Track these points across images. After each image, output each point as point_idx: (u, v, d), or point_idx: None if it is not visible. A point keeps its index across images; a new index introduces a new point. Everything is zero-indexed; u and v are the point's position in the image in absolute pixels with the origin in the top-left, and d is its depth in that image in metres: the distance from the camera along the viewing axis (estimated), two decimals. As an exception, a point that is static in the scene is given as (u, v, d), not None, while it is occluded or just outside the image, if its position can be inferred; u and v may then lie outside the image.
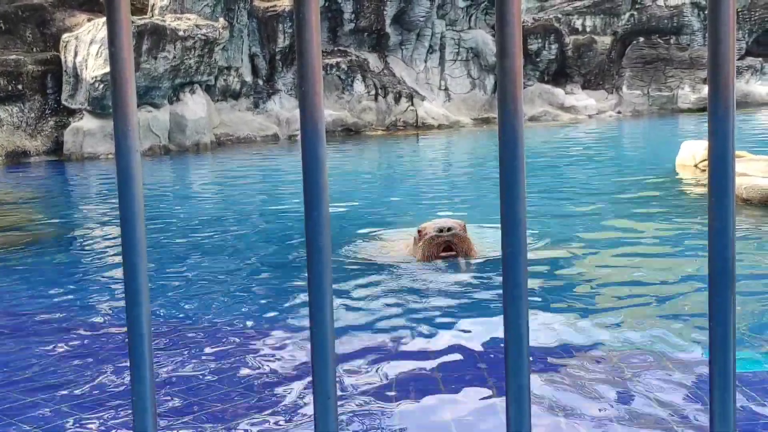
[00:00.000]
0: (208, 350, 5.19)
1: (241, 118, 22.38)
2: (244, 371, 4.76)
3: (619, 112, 25.72)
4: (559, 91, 25.66)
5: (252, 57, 23.01)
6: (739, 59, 25.67)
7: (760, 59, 26.67)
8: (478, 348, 5.00)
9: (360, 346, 5.07)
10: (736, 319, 1.04)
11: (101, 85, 18.77)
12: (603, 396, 4.17)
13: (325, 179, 1.08)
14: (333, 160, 17.18)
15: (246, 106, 22.76)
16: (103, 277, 7.42)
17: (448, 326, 5.47)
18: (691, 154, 12.31)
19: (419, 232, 7.31)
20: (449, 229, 7.11)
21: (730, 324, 1.04)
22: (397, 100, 24.29)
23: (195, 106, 20.70)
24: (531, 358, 1.09)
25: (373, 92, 24.19)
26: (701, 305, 5.51)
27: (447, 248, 7.08)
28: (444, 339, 5.21)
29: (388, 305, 5.97)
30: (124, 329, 5.21)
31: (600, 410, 3.99)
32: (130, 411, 2.98)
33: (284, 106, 23.10)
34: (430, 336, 5.27)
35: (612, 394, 4.18)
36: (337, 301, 5.95)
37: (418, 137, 22.38)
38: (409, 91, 24.48)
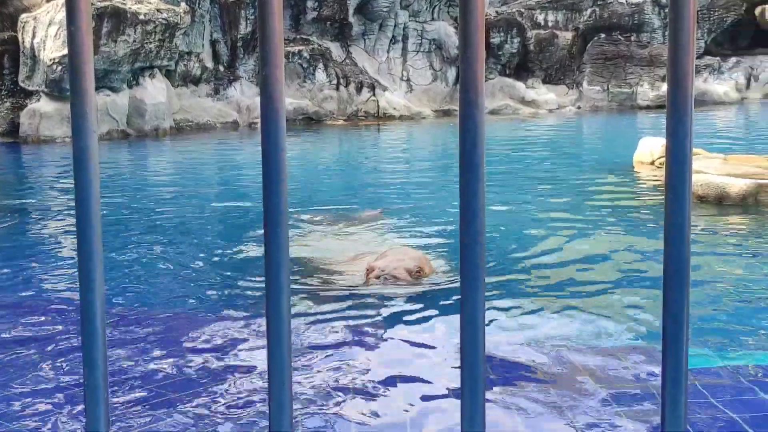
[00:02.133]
0: (162, 336, 5.15)
1: (201, 104, 22.19)
2: (199, 359, 4.73)
3: (579, 108, 25.91)
4: (520, 85, 25.77)
5: (213, 43, 22.82)
6: (697, 58, 25.97)
7: (718, 58, 27.00)
8: (436, 345, 5.02)
9: (315, 344, 5.07)
10: (689, 315, 1.05)
11: (59, 68, 18.49)
12: (557, 392, 4.20)
13: (284, 167, 1.07)
14: (293, 147, 17.11)
15: (206, 92, 22.57)
16: (58, 260, 7.33)
17: (404, 328, 5.48)
18: (649, 151, 12.44)
19: (368, 271, 6.27)
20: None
21: (684, 320, 1.05)
22: (358, 89, 24.25)
23: (154, 90, 20.48)
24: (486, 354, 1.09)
25: (334, 81, 24.12)
26: (653, 302, 5.58)
27: None
28: (400, 338, 5.23)
29: (342, 311, 5.96)
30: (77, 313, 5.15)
31: (552, 405, 4.03)
32: (82, 397, 2.95)
33: (245, 93, 22.94)
34: (384, 337, 5.29)
35: (565, 391, 4.22)
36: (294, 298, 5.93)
37: (379, 127, 22.36)
38: (371, 81, 24.45)
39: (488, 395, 3.77)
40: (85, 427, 1.13)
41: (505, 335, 5.09)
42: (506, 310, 5.59)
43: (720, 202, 9.21)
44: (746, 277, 6.33)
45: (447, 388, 4.23)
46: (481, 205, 1.07)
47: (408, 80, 25.41)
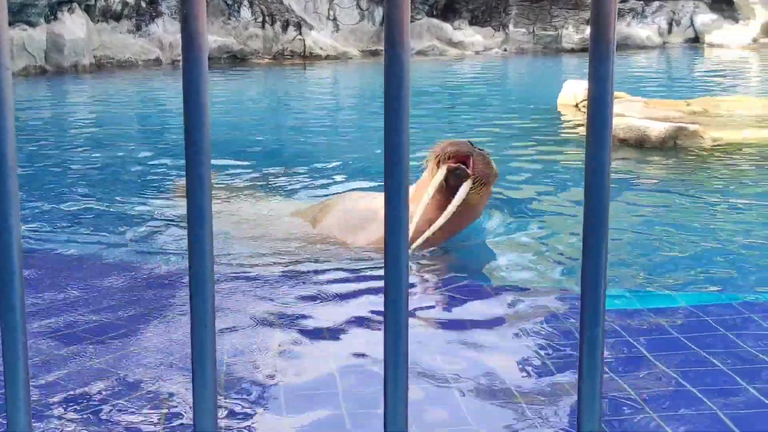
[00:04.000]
0: (79, 285, 5.07)
1: (122, 41, 21.64)
2: (111, 301, 4.68)
3: (505, 50, 25.99)
4: (447, 26, 25.71)
5: (134, -23, 22.22)
6: (621, 2, 26.22)
7: (642, 2, 27.28)
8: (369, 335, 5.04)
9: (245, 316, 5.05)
10: (608, 256, 1.07)
11: (-28, 0, 17.80)
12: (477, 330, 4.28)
13: (206, 106, 1.05)
14: (217, 87, 16.85)
15: (127, 28, 22.00)
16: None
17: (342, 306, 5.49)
18: (573, 94, 12.57)
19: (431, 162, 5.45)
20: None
21: (603, 261, 1.07)
22: (284, 28, 23.90)
23: (73, 26, 19.89)
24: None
25: (260, 19, 23.73)
26: (574, 245, 5.70)
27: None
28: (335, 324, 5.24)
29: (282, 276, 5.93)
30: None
31: (474, 343, 4.10)
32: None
33: (168, 30, 22.43)
34: (319, 323, 5.29)
35: (483, 329, 4.30)
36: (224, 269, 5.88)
37: (306, 67, 22.13)
38: (297, 19, 24.11)
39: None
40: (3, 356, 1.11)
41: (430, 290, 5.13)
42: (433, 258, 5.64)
43: (641, 145, 9.38)
44: (665, 219, 6.49)
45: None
46: (406, 149, 1.06)
47: (334, 19, 25.14)
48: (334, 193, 7.32)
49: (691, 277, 5.16)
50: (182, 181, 7.46)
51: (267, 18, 23.81)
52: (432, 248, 5.48)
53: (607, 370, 3.67)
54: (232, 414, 3.40)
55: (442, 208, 5.31)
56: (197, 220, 1.06)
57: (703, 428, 3.27)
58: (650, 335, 4.17)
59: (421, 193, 5.37)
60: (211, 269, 1.08)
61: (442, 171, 5.24)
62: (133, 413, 3.38)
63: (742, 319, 4.42)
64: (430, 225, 5.31)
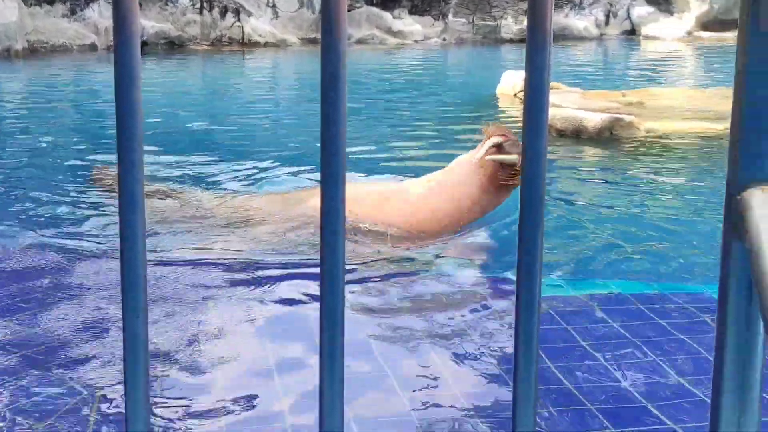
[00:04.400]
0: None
1: (56, 25, 21.20)
2: (38, 291, 4.60)
3: (444, 40, 26.07)
4: (387, 15, 25.68)
5: (69, -40, 21.77)
6: (559, -7, 26.46)
7: (579, -5, 27.57)
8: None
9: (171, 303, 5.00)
10: (544, 245, 1.08)
11: None
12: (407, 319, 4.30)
13: (138, 92, 1.03)
14: (152, 73, 16.62)
15: (62, 12, 21.56)
16: None
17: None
18: (512, 84, 12.67)
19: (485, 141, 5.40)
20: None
21: (539, 249, 1.07)
22: (222, 14, 23.65)
23: (5, 9, 19.42)
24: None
25: (198, 5, 23.43)
26: (508, 237, 5.75)
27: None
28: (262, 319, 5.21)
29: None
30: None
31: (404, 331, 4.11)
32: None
33: (103, 15, 22.03)
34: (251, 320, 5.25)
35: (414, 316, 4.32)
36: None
37: (244, 54, 21.93)
38: (236, 6, 23.87)
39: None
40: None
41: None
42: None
43: (578, 135, 9.50)
44: (601, 208, 6.58)
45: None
46: (343, 137, 1.06)
47: (274, 6, 24.93)
48: (268, 181, 7.28)
49: (624, 265, 5.25)
50: (107, 169, 7.36)
51: (205, 4, 23.53)
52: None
53: (541, 354, 3.71)
54: (166, 403, 3.37)
55: (484, 187, 5.37)
56: (129, 206, 1.04)
57: (631, 416, 3.33)
58: (584, 322, 4.23)
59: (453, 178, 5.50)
60: (143, 256, 1.06)
61: (496, 139, 5.29)
62: (57, 399, 3.33)
63: (672, 305, 4.50)
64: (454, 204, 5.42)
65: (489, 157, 5.30)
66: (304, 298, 4.57)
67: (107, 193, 6.72)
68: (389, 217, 5.55)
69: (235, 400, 3.40)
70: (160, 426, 3.20)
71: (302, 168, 7.98)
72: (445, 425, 3.26)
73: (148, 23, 22.07)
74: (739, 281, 0.96)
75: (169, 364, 3.70)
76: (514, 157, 5.19)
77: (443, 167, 5.83)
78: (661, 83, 15.99)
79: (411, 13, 26.38)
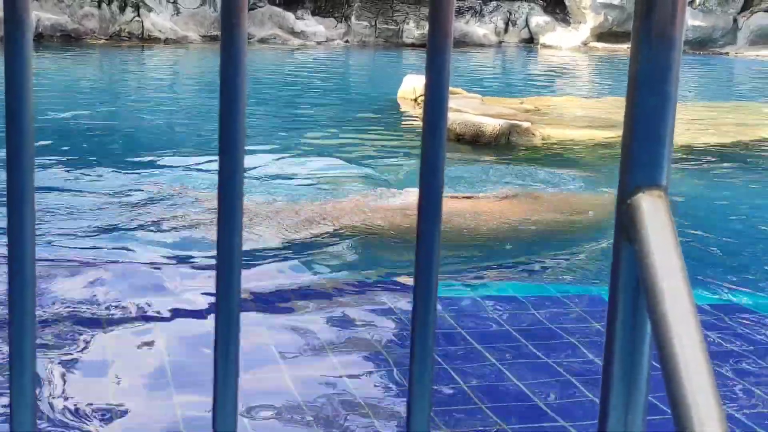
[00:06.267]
0: None
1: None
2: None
3: (347, 42, 26.11)
4: (289, 15, 25.57)
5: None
6: (459, 0, 26.82)
7: (480, 1, 27.97)
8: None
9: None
10: (440, 248, 1.09)
11: None
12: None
13: (29, 87, 1.00)
14: (45, 65, 16.16)
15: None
16: None
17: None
18: (412, 88, 12.77)
19: None
20: None
21: (436, 250, 1.08)
22: (122, 8, 23.16)
23: None
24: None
25: (95, -2, 22.90)
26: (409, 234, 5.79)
27: None
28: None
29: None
30: None
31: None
32: None
33: (-5, 5, 21.32)
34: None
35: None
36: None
37: (144, 50, 21.52)
38: (136, 0, 23.42)
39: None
40: None
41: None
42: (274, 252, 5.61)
43: (476, 140, 9.64)
44: (495, 212, 6.68)
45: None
46: (242, 139, 1.05)
47: (175, 2, 24.55)
48: (167, 177, 7.16)
49: (520, 268, 5.35)
50: None
51: (103, -3, 23.00)
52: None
53: (437, 359, 3.75)
54: (54, 404, 3.28)
55: None
56: (18, 203, 1.01)
57: (522, 412, 3.40)
58: (478, 324, 4.29)
59: None
60: (32, 256, 1.03)
61: None
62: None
63: (564, 308, 4.61)
64: None
65: None
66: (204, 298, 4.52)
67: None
68: None
69: (126, 401, 3.34)
70: (49, 427, 3.12)
71: (198, 164, 7.88)
72: (341, 427, 3.26)
73: (44, 15, 21.45)
74: (628, 283, 0.99)
75: (59, 364, 3.61)
76: None
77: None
78: (557, 91, 16.36)
79: (314, 14, 26.34)
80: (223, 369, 1.04)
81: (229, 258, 1.04)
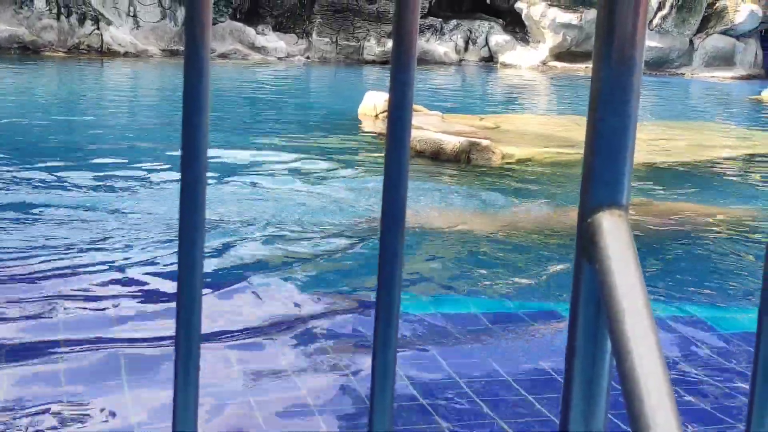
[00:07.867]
0: None
1: None
2: None
3: (308, 58, 26.12)
4: (250, 31, 25.54)
5: None
6: (421, 18, 26.96)
7: (441, 20, 28.15)
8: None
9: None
10: (403, 261, 1.09)
11: None
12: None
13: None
14: (5, 77, 15.96)
15: None
16: None
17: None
18: (373, 105, 12.81)
19: None
20: None
21: (398, 265, 1.09)
22: (81, 21, 22.98)
23: None
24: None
25: (54, 10, 22.70)
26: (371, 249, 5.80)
27: None
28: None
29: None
30: None
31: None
32: None
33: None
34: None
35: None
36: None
37: (103, 63, 21.35)
38: (95, 13, 23.24)
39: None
40: None
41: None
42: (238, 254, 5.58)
43: (436, 157, 9.68)
44: (453, 229, 6.71)
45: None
46: (204, 147, 1.04)
47: (135, 16, 24.41)
48: (126, 191, 7.11)
49: (481, 283, 5.37)
50: None
51: (62, 9, 22.81)
52: None
53: (399, 372, 3.75)
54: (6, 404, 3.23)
55: None
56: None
57: (483, 427, 3.41)
58: (441, 339, 4.30)
59: None
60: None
61: None
62: None
63: (524, 323, 4.63)
64: None
65: None
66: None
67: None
68: None
69: (82, 402, 3.30)
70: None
71: (161, 177, 7.83)
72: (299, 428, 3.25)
73: (1, 26, 21.21)
74: (589, 301, 1.00)
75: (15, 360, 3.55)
76: None
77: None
78: (517, 109, 16.50)
79: (275, 29, 26.32)
80: (184, 367, 1.03)
81: (191, 266, 1.03)
